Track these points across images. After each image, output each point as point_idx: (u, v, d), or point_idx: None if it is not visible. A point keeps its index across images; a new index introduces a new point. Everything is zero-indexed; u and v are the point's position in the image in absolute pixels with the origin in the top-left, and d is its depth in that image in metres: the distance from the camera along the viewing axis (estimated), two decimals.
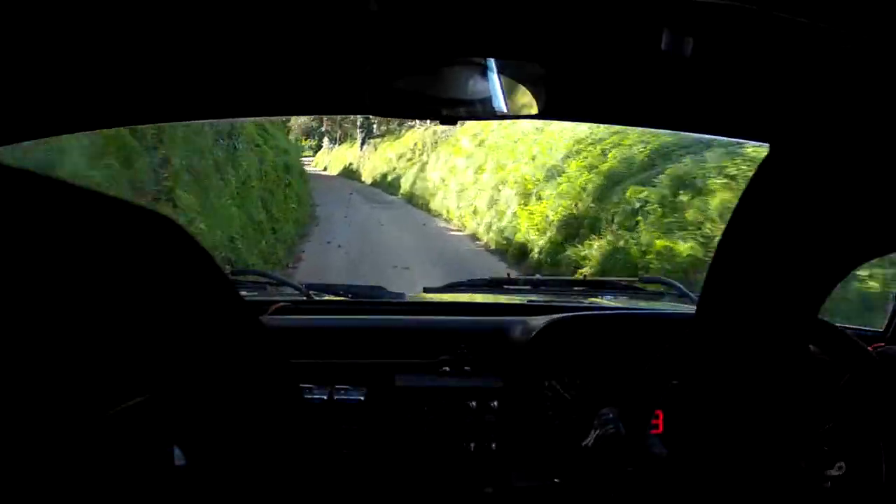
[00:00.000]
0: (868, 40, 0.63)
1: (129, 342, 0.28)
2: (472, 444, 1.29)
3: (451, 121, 1.14)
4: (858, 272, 3.49)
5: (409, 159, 15.10)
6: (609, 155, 7.69)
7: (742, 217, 0.52)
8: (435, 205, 11.85)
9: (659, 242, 5.98)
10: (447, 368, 1.33)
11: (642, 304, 1.76)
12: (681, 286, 1.68)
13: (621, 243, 6.50)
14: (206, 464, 0.31)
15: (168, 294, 0.29)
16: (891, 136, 0.48)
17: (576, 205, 7.60)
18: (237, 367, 0.31)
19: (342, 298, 1.65)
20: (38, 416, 0.26)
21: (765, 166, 0.49)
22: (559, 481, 1.29)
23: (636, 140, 7.43)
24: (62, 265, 0.26)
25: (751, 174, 0.53)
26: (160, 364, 0.29)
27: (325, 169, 21.25)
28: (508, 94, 1.05)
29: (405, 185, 14.17)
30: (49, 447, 0.26)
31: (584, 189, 7.63)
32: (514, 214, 8.59)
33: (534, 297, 1.69)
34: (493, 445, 1.29)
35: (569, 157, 8.31)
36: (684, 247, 5.70)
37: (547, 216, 7.90)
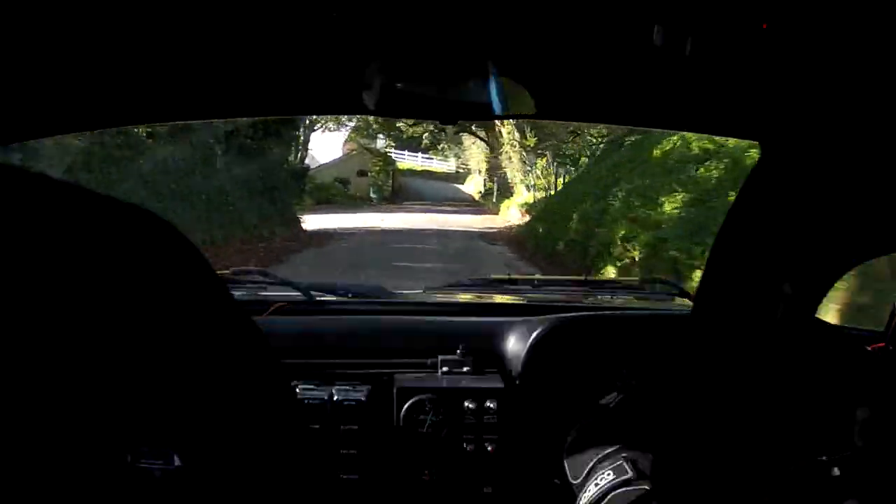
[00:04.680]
0: (861, 37, 0.63)
1: (119, 340, 0.28)
2: (472, 445, 1.29)
3: (450, 120, 1.14)
4: None
5: None
6: None
7: (738, 216, 0.52)
8: None
9: None
10: (446, 368, 1.33)
11: (642, 304, 1.76)
12: (681, 286, 1.69)
13: None
14: (200, 464, 0.31)
15: (159, 292, 0.29)
16: (886, 134, 0.48)
17: None
18: (228, 366, 0.31)
19: (342, 298, 1.65)
20: (30, 415, 0.26)
21: (759, 165, 0.49)
22: (559, 482, 1.29)
23: None
24: (53, 263, 0.26)
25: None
26: (150, 363, 0.29)
27: None
28: (506, 93, 1.05)
29: None
30: (38, 446, 0.26)
31: None
32: None
33: (534, 297, 1.69)
34: (493, 446, 1.29)
35: None
36: None
37: None
